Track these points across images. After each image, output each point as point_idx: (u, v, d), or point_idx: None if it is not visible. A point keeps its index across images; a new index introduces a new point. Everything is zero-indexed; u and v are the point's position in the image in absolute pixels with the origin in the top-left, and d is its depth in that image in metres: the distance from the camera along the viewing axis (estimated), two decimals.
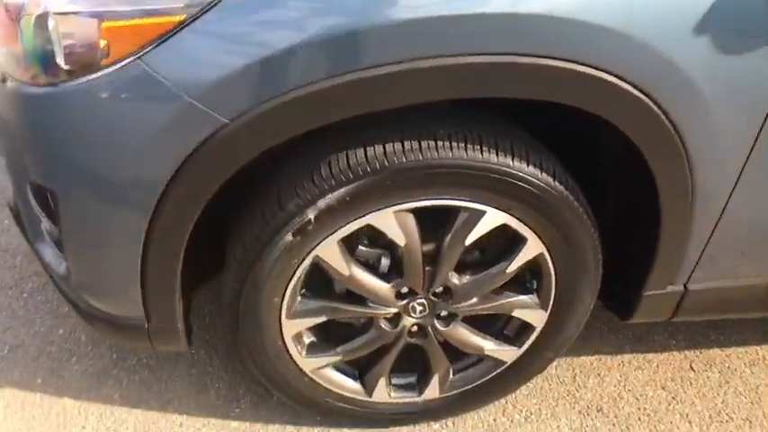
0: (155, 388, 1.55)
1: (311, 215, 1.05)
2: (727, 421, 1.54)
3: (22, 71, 0.97)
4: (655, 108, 0.99)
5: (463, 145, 1.04)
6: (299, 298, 1.20)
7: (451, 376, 1.40)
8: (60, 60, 0.93)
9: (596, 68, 0.95)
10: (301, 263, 1.12)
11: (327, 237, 1.09)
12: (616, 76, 0.96)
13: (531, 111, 1.17)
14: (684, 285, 1.30)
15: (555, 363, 1.67)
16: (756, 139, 1.05)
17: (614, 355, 1.72)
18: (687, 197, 1.11)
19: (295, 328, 1.23)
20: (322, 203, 1.04)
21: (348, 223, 1.08)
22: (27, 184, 1.14)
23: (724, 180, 1.11)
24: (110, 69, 0.89)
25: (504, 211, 1.12)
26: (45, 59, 0.95)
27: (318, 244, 1.10)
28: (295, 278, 1.14)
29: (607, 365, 1.68)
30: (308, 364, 1.29)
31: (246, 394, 1.54)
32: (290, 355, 1.26)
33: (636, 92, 0.98)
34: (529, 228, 1.15)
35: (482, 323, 1.36)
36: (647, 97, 0.99)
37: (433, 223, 1.15)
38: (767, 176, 1.12)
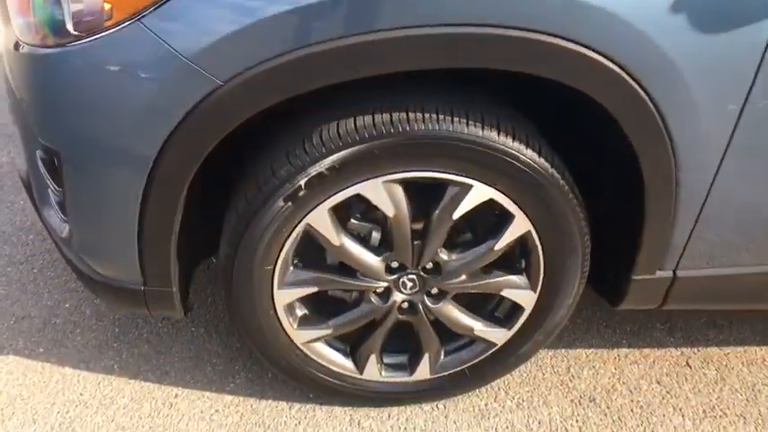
0: (153, 361, 1.59)
1: (302, 182, 1.08)
2: (720, 417, 1.53)
3: (33, 36, 1.03)
4: (636, 86, 1.01)
5: (449, 118, 1.07)
6: (291, 268, 1.23)
7: (443, 357, 1.41)
8: (69, 26, 0.99)
9: (580, 44, 0.98)
10: (293, 230, 1.15)
11: (318, 205, 1.12)
12: (598, 52, 0.98)
13: (524, 94, 1.21)
14: (674, 272, 1.31)
15: (550, 353, 1.68)
16: (738, 119, 1.07)
17: (610, 349, 1.71)
18: (671, 178, 1.12)
19: (287, 298, 1.26)
20: (312, 171, 1.08)
21: (338, 192, 1.11)
22: (36, 151, 1.20)
23: (707, 161, 1.12)
24: (112, 31, 0.95)
25: (490, 186, 1.14)
26: (55, 25, 1.00)
27: (309, 212, 1.13)
28: (287, 246, 1.17)
29: (602, 358, 1.68)
30: (299, 336, 1.32)
31: (242, 371, 1.57)
32: (282, 325, 1.29)
33: (617, 69, 1.00)
34: (516, 204, 1.17)
35: (473, 304, 1.38)
36: (629, 75, 1.01)
37: (423, 199, 1.18)
38: (752, 158, 1.13)
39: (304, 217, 1.14)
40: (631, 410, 1.53)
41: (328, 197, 1.12)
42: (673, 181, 1.13)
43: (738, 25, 1.00)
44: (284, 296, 1.25)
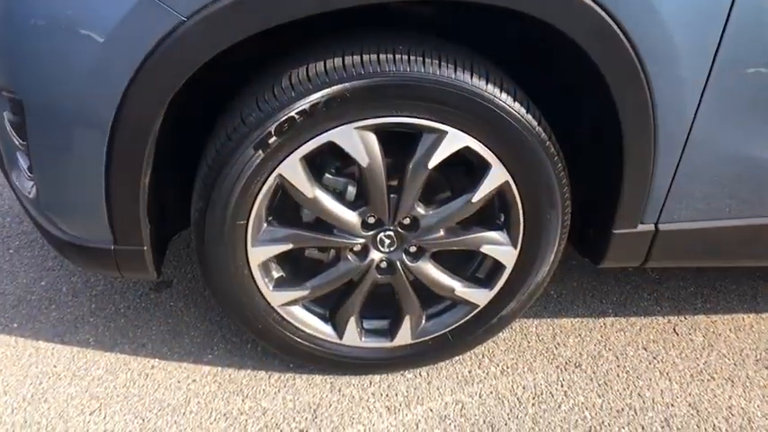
0: (130, 334, 1.55)
1: (271, 127, 1.06)
2: (708, 380, 1.50)
3: None
4: (615, 26, 1.00)
5: (421, 59, 1.05)
6: (265, 224, 1.21)
7: (424, 322, 1.38)
8: None
9: None
10: (265, 181, 1.13)
11: (290, 154, 1.10)
12: None
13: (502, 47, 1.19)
14: (655, 225, 1.29)
15: (535, 322, 1.65)
16: (714, 58, 1.05)
17: (597, 318, 1.69)
18: (649, 122, 1.11)
19: (262, 256, 1.23)
20: (282, 116, 1.06)
21: (310, 139, 1.09)
22: (3, 112, 1.17)
23: (685, 104, 1.11)
24: None
25: (465, 133, 1.12)
26: None
27: (281, 161, 1.11)
28: (259, 199, 1.15)
29: (588, 327, 1.66)
30: (276, 297, 1.29)
31: (221, 342, 1.54)
32: (258, 286, 1.26)
33: (597, 8, 0.99)
34: (492, 152, 1.15)
35: (454, 265, 1.35)
36: (608, 15, 1.00)
37: (399, 153, 1.16)
38: (729, 102, 1.12)
39: (276, 167, 1.11)
40: (618, 375, 1.50)
41: (300, 145, 1.09)
42: (651, 125, 1.12)
43: None
44: (259, 254, 1.22)
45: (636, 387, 1.47)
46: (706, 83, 1.09)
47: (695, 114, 1.13)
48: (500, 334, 1.56)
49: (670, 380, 1.50)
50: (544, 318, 1.68)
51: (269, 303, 1.29)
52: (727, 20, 1.05)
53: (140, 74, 0.97)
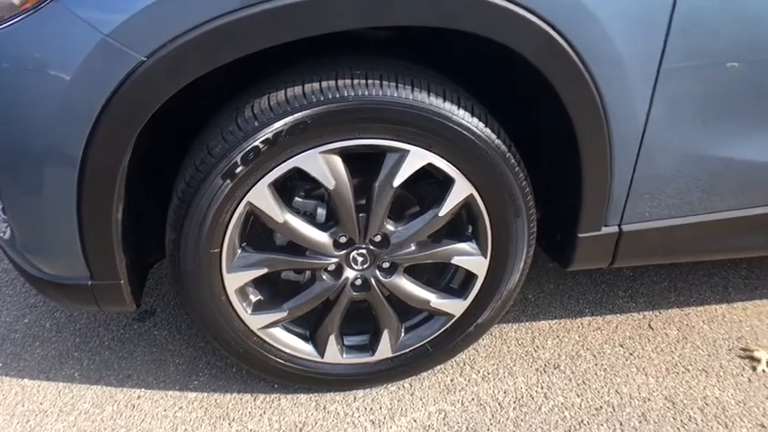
0: (115, 366, 1.56)
1: (237, 157, 1.09)
2: (683, 372, 1.54)
3: None
4: (554, 34, 1.04)
5: (378, 82, 1.09)
6: (239, 251, 1.23)
7: (403, 335, 1.41)
8: None
9: None
10: (235, 210, 1.16)
11: (257, 181, 1.13)
12: (520, 6, 1.01)
13: (458, 62, 1.23)
14: (619, 226, 1.33)
15: (514, 327, 1.69)
16: (661, 61, 1.10)
17: (574, 318, 1.73)
18: (603, 129, 1.15)
19: (238, 282, 1.25)
20: (247, 145, 1.09)
21: (276, 166, 1.12)
22: None
23: (636, 109, 1.15)
24: (32, 11, 0.95)
25: (427, 150, 1.16)
26: None
27: (249, 189, 1.14)
28: (231, 227, 1.17)
29: (566, 327, 1.70)
30: (254, 321, 1.31)
31: (206, 368, 1.55)
32: (236, 311, 1.28)
33: (541, 23, 1.03)
34: (454, 167, 1.19)
35: (429, 277, 1.39)
36: (553, 29, 1.04)
37: (366, 173, 1.20)
38: (679, 103, 1.17)
39: (245, 195, 1.14)
40: (596, 374, 1.54)
41: (267, 172, 1.12)
42: (605, 131, 1.16)
43: None
44: (235, 280, 1.24)
45: (613, 384, 1.51)
46: (655, 86, 1.14)
47: (647, 117, 1.17)
48: (480, 340, 1.59)
49: (646, 375, 1.54)
50: (523, 322, 1.71)
51: (248, 327, 1.31)
52: (669, 22, 1.09)
53: (105, 112, 0.99)
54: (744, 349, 1.62)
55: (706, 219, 1.38)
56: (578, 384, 1.51)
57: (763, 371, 1.54)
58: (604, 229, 1.32)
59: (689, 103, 1.20)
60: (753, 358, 1.58)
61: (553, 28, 1.04)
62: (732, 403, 1.46)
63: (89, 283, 1.20)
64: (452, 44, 1.25)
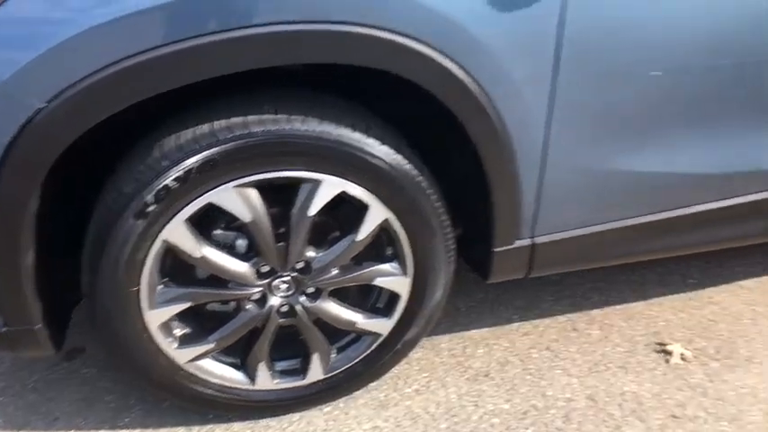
0: (42, 409, 1.52)
1: (148, 197, 1.09)
2: (604, 371, 1.63)
3: None
4: (446, 62, 1.09)
5: (286, 117, 1.11)
6: (159, 287, 1.23)
7: (334, 356, 1.44)
8: None
9: (384, 30, 1.04)
10: (150, 248, 1.15)
11: (171, 218, 1.14)
12: (412, 38, 1.06)
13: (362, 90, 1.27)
14: (532, 239, 1.40)
15: (446, 338, 1.74)
16: (554, 82, 1.17)
17: (503, 325, 1.79)
18: (505, 149, 1.21)
19: (160, 318, 1.25)
20: (157, 185, 1.09)
21: (188, 203, 1.13)
22: None
23: (535, 127, 1.22)
24: None
25: (340, 178, 1.19)
26: None
27: (163, 227, 1.14)
28: (148, 265, 1.17)
29: (496, 335, 1.76)
30: (181, 355, 1.31)
31: (138, 404, 1.53)
32: (160, 347, 1.28)
33: (435, 53, 1.08)
34: (369, 193, 1.22)
35: (355, 298, 1.42)
36: (447, 57, 1.09)
37: (283, 201, 1.22)
38: (579, 117, 1.24)
39: (159, 233, 1.14)
40: (523, 378, 1.60)
41: (180, 209, 1.13)
42: (507, 152, 1.22)
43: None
44: (157, 316, 1.24)
45: (540, 387, 1.58)
46: (552, 106, 1.21)
47: (548, 135, 1.24)
48: (413, 353, 1.63)
49: (570, 375, 1.61)
50: (455, 332, 1.76)
51: (175, 362, 1.31)
52: (559, 47, 1.16)
53: (7, 158, 0.98)
54: (659, 343, 1.72)
55: (616, 225, 1.47)
56: (507, 390, 1.57)
57: (676, 363, 1.64)
58: (518, 243, 1.39)
59: (585, 120, 1.27)
60: (666, 351, 1.68)
61: (451, 60, 1.09)
62: (648, 396, 1.55)
63: (3, 329, 1.18)
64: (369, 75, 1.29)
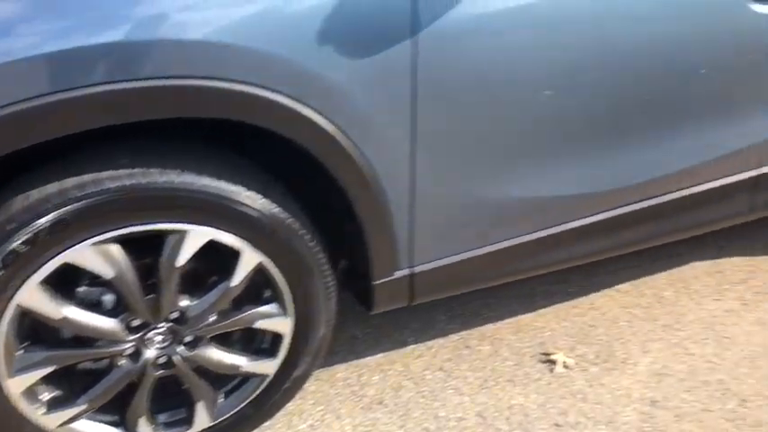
0: None
1: None
2: (493, 386, 1.69)
3: None
4: (308, 111, 1.10)
5: (142, 171, 1.09)
6: (19, 352, 1.16)
7: (221, 401, 1.41)
8: None
9: (231, 81, 1.05)
10: (3, 313, 1.09)
11: (23, 283, 1.08)
12: (254, 85, 1.06)
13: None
14: (410, 269, 1.44)
15: (342, 367, 1.75)
16: (414, 119, 1.21)
17: (398, 349, 1.83)
18: (371, 186, 1.24)
19: (22, 385, 1.18)
20: (5, 249, 1.03)
21: (43, 264, 1.08)
22: None
23: (400, 162, 1.26)
24: None
25: (207, 226, 1.17)
26: None
27: (16, 291, 1.08)
28: (2, 332, 1.11)
29: (391, 360, 1.79)
30: (51, 420, 1.24)
31: None
32: (25, 415, 1.21)
33: (281, 98, 1.09)
34: (240, 239, 1.21)
35: (239, 341, 1.40)
36: (298, 102, 1.10)
37: (151, 252, 1.19)
38: (442, 150, 1.29)
39: (11, 297, 1.08)
40: (417, 402, 1.64)
41: (33, 272, 1.08)
42: (375, 190, 1.25)
43: (383, 41, 1.13)
44: (18, 384, 1.17)
45: (432, 409, 1.62)
46: (414, 141, 1.25)
47: (414, 169, 1.28)
48: (309, 386, 1.63)
49: (462, 394, 1.66)
50: (350, 361, 1.78)
51: (43, 429, 1.24)
52: (413, 84, 1.20)
53: None
54: (544, 354, 1.81)
55: (494, 248, 1.53)
56: (400, 416, 1.60)
57: (559, 371, 1.73)
58: (397, 274, 1.42)
59: (449, 151, 1.33)
60: (551, 361, 1.77)
61: (307, 106, 1.10)
62: (533, 407, 1.62)
63: None
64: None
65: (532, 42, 1.29)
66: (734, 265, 2.22)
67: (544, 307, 2.01)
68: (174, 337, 1.28)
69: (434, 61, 1.19)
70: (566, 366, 1.75)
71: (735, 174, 1.80)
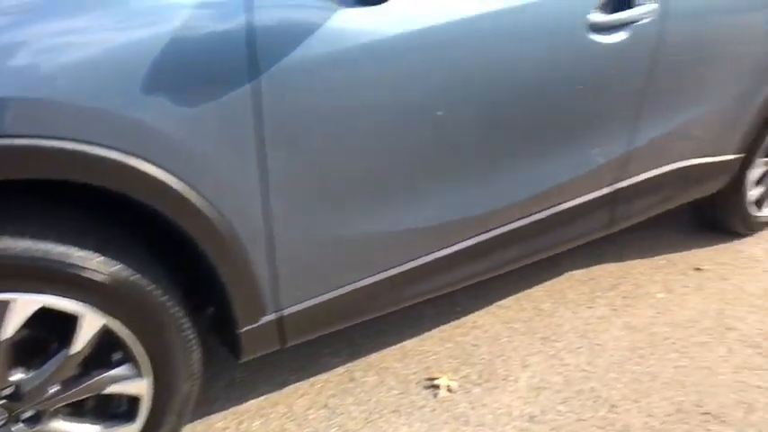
0: None
1: None
2: (378, 419, 1.67)
3: None
4: (148, 167, 1.03)
5: None
6: None
7: None
8: None
9: (67, 140, 0.96)
10: None
11: None
12: (87, 143, 0.98)
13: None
14: (278, 312, 1.39)
15: (220, 416, 1.66)
16: (262, 165, 1.16)
17: (281, 390, 1.76)
18: (223, 237, 1.18)
19: None
20: None
21: None
22: None
23: (255, 209, 1.20)
24: None
25: (36, 293, 1.07)
26: None
27: None
28: None
29: (273, 402, 1.72)
30: None
31: None
32: None
33: (117, 155, 1.01)
34: (78, 302, 1.11)
35: (93, 408, 1.28)
36: (136, 158, 1.03)
37: None
38: (296, 194, 1.25)
39: None
40: None
41: None
42: (230, 240, 1.19)
43: (220, 86, 1.08)
44: None
45: None
46: (266, 187, 1.20)
47: (269, 215, 1.23)
48: None
49: (346, 431, 1.63)
50: (229, 408, 1.69)
51: None
52: (260, 129, 1.15)
53: None
54: (429, 379, 1.81)
55: (364, 283, 1.51)
56: None
57: (443, 396, 1.74)
58: (264, 319, 1.36)
59: (304, 193, 1.29)
60: (435, 386, 1.78)
61: (147, 161, 1.03)
62: None
63: None
64: None
65: (383, 76, 1.28)
66: (606, 272, 2.35)
67: (430, 330, 2.03)
68: (8, 414, 1.15)
69: (280, 102, 1.15)
70: (449, 390, 1.77)
71: (595, 190, 1.91)
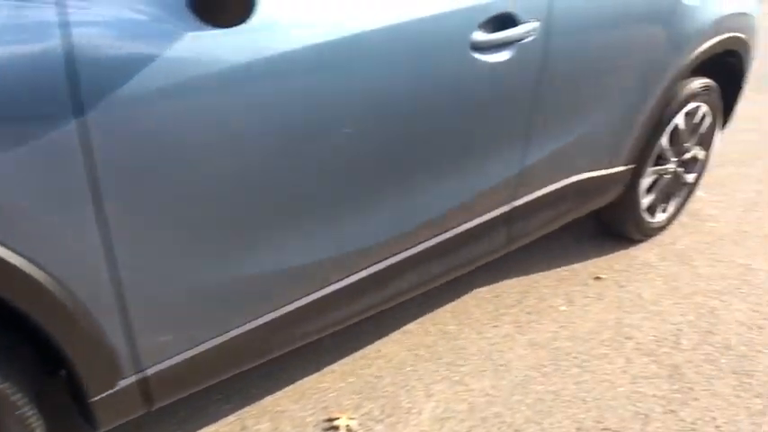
0: None
1: None
2: None
3: None
4: None
5: None
6: None
7: None
8: None
9: None
10: None
11: None
12: None
13: None
14: (140, 373, 1.23)
15: None
16: (100, 212, 1.02)
17: None
18: (66, 306, 1.03)
19: None
20: None
21: None
22: None
23: (97, 270, 1.06)
24: None
25: None
26: None
27: None
28: None
29: None
30: None
31: None
32: None
33: None
34: None
35: None
36: None
37: None
38: (146, 248, 1.12)
39: None
40: None
41: None
42: (72, 307, 1.04)
43: (36, 125, 0.93)
44: None
45: None
46: (108, 236, 1.05)
47: (115, 268, 1.09)
48: None
49: None
50: None
51: None
52: (92, 171, 1.00)
53: None
54: (327, 420, 1.70)
55: (244, 329, 1.39)
56: None
57: None
58: (122, 383, 1.21)
59: (157, 246, 1.14)
60: (334, 428, 1.67)
61: None
62: None
63: None
64: None
65: (235, 106, 1.14)
66: (510, 287, 2.32)
67: (330, 363, 1.92)
68: None
69: (112, 140, 1.00)
70: (349, 430, 1.66)
71: (490, 210, 1.87)
